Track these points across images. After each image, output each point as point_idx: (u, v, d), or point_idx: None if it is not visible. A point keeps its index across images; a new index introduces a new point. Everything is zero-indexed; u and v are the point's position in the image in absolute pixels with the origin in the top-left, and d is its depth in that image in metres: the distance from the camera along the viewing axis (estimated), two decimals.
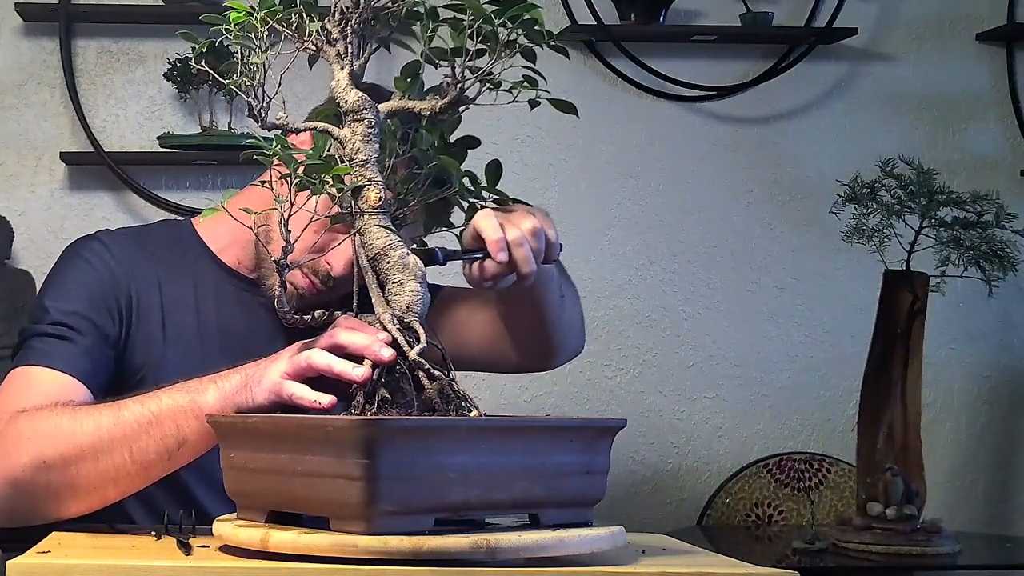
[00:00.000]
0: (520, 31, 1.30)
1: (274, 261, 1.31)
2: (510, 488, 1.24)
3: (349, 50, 1.34)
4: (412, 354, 1.28)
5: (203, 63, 1.38)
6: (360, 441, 1.16)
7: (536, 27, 1.30)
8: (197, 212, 2.91)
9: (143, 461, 1.46)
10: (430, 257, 1.39)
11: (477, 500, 1.22)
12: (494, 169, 1.45)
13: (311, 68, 1.40)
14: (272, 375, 1.40)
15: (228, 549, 1.26)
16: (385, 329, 1.30)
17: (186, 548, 1.28)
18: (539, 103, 1.35)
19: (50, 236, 2.93)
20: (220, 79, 1.35)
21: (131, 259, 1.73)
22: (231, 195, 1.44)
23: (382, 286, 1.33)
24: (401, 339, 1.29)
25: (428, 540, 1.16)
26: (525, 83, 1.34)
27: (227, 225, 1.74)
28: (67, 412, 1.51)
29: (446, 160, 1.40)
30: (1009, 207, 2.45)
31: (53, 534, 1.40)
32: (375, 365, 1.29)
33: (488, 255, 1.41)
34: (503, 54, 1.31)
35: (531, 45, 1.32)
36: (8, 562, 1.17)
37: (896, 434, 2.42)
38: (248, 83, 1.31)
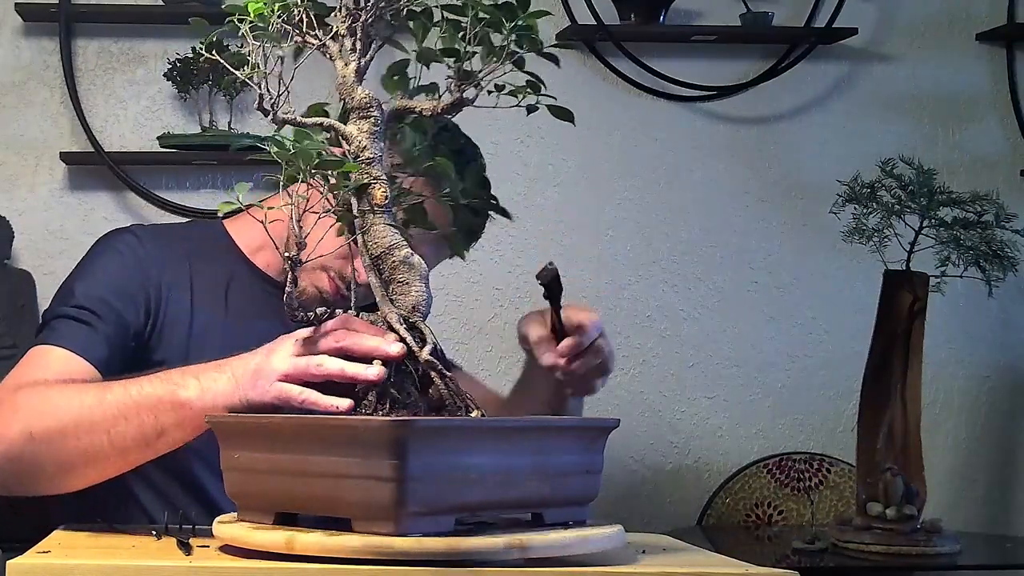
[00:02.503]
0: (514, 36, 1.30)
1: (287, 257, 1.30)
2: (521, 487, 1.26)
3: (357, 47, 1.33)
4: (425, 354, 1.28)
5: (213, 52, 1.36)
6: (392, 442, 1.15)
7: (532, 35, 1.30)
8: (198, 212, 2.93)
9: (121, 445, 1.46)
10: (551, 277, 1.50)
11: (494, 500, 1.24)
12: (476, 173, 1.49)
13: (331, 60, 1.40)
14: (269, 376, 1.38)
15: (228, 549, 1.26)
16: (392, 328, 1.30)
17: (186, 548, 1.28)
18: (537, 109, 1.35)
19: (50, 236, 2.93)
20: (233, 70, 1.33)
21: (163, 255, 1.74)
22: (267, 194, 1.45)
23: (385, 285, 1.33)
24: (410, 339, 1.29)
25: (462, 541, 1.17)
26: (528, 88, 1.34)
27: (259, 227, 1.76)
28: (61, 388, 1.53)
29: (441, 162, 1.40)
30: (1009, 207, 2.44)
31: (53, 534, 1.40)
32: (385, 363, 1.29)
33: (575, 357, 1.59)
34: (505, 58, 1.31)
35: (521, 52, 1.32)
36: (8, 562, 1.18)
37: (896, 434, 2.42)
38: (262, 74, 1.30)
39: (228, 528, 1.27)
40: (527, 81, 1.34)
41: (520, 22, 1.29)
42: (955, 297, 2.70)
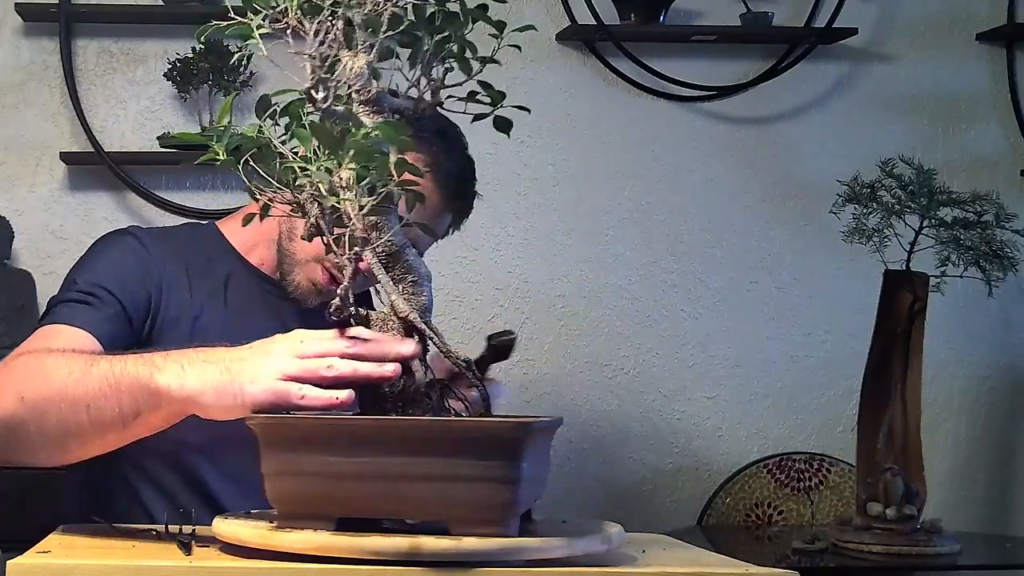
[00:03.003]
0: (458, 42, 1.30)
1: (355, 252, 1.28)
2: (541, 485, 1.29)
3: (377, 41, 1.31)
4: (461, 355, 1.29)
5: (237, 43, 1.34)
6: (512, 443, 1.17)
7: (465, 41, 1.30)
8: (198, 212, 2.93)
9: (99, 423, 1.44)
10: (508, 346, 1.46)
11: (530, 499, 1.27)
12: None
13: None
14: (270, 374, 1.34)
15: (228, 549, 1.26)
16: (414, 328, 1.29)
17: (186, 548, 1.28)
18: (485, 116, 1.35)
19: (50, 236, 2.94)
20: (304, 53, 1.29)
21: (162, 255, 1.76)
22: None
23: (394, 283, 1.31)
24: (439, 340, 1.29)
25: (574, 541, 1.20)
26: (493, 96, 1.34)
27: (252, 226, 1.78)
28: (56, 356, 1.51)
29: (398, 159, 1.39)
30: (1009, 207, 2.45)
31: (53, 534, 1.40)
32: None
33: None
34: (442, 58, 1.31)
35: (450, 63, 1.32)
36: (8, 562, 1.17)
37: (896, 434, 2.42)
38: (324, 59, 1.28)
39: (308, 537, 1.18)
40: (489, 91, 1.34)
41: (458, 32, 1.29)
42: (955, 297, 2.70)
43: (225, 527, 1.26)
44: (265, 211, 1.35)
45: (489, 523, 1.16)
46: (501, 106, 1.34)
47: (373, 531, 1.19)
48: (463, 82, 1.33)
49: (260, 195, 1.33)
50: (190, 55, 2.85)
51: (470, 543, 1.15)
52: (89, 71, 2.98)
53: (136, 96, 2.99)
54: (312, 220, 1.31)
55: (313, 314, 1.79)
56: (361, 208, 1.25)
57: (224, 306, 1.77)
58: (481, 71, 1.33)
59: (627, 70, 3.09)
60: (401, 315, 1.29)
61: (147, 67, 2.98)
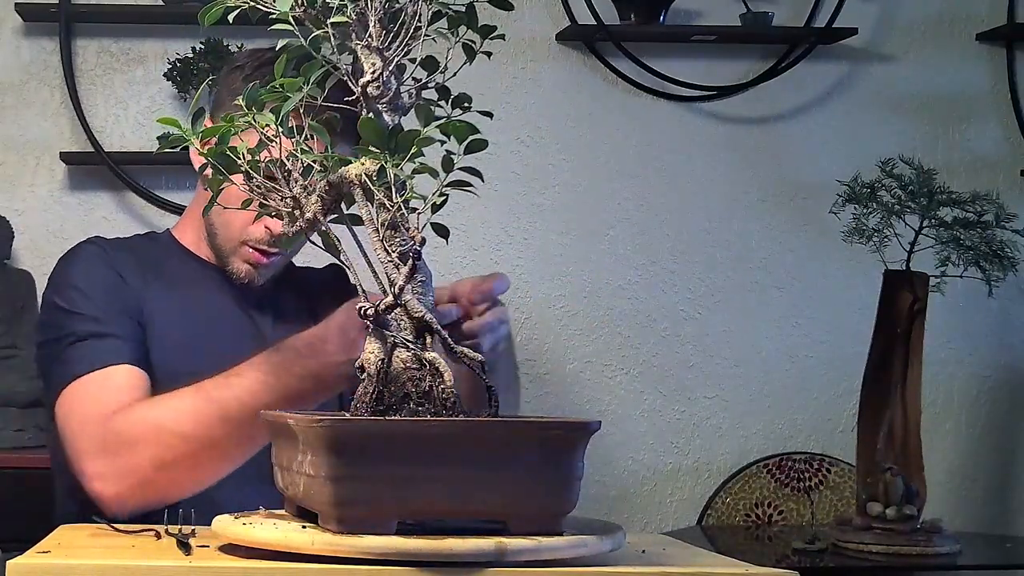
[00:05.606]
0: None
1: (415, 251, 1.28)
2: None
3: (395, 39, 1.31)
4: (478, 357, 1.29)
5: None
6: (575, 443, 1.22)
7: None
8: None
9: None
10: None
11: None
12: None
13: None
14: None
15: (228, 548, 1.26)
16: (430, 328, 1.28)
17: (186, 548, 1.28)
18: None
19: (50, 236, 2.94)
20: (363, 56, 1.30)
21: (126, 261, 1.81)
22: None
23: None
24: (470, 354, 1.29)
25: (574, 541, 1.21)
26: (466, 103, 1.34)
27: (194, 223, 1.85)
28: (163, 406, 1.60)
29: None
30: (1009, 207, 2.45)
31: (53, 534, 1.40)
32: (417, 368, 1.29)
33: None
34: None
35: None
36: (8, 562, 1.17)
37: (896, 434, 2.42)
38: (374, 49, 1.29)
39: (386, 541, 1.17)
40: (460, 94, 1.35)
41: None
42: (955, 297, 2.70)
43: (263, 533, 1.22)
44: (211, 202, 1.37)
45: (545, 520, 1.20)
46: (468, 109, 1.35)
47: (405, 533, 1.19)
48: (437, 83, 1.34)
49: (247, 192, 1.35)
50: (190, 55, 2.85)
51: (552, 541, 1.19)
52: (89, 71, 2.98)
53: (136, 96, 2.99)
54: (310, 215, 1.32)
55: (272, 298, 1.84)
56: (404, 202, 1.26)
57: (187, 303, 1.82)
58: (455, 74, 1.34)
59: (627, 70, 3.09)
60: (416, 315, 1.28)
61: (147, 67, 2.98)
